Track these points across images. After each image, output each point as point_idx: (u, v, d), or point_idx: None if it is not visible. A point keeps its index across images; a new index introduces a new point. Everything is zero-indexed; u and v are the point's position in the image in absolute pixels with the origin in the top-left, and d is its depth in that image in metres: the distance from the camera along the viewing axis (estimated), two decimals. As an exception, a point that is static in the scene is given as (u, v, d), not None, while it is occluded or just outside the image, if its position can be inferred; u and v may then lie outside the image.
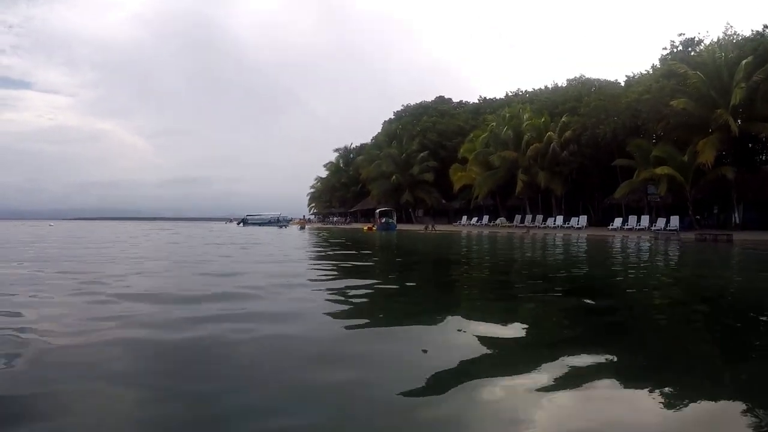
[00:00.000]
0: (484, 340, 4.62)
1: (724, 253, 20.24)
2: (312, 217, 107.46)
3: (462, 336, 4.87)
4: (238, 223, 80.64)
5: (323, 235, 36.85)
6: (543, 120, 51.32)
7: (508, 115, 54.71)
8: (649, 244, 25.85)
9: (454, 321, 5.59)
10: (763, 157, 44.92)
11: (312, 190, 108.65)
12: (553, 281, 10.06)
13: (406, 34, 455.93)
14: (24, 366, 3.69)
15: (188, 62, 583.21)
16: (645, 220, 42.50)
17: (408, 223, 66.48)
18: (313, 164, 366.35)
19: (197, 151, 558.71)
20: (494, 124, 55.19)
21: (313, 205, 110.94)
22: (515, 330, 5.19)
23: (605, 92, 49.28)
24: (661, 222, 40.65)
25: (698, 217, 41.54)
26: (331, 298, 7.05)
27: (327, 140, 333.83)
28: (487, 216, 59.19)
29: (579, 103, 49.59)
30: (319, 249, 20.81)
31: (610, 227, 43.73)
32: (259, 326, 5.05)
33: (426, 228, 48.53)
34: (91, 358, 3.94)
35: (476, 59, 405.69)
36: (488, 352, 4.29)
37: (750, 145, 42.70)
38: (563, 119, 49.07)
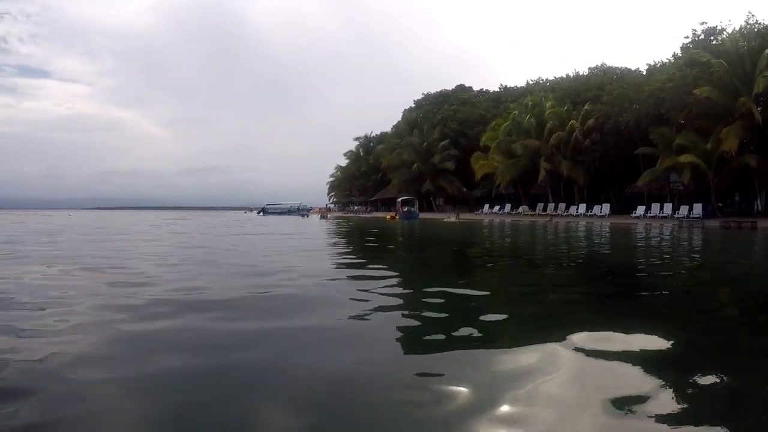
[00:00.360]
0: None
1: (750, 240, 20.62)
2: (332, 206, 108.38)
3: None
4: (258, 213, 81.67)
5: (350, 225, 36.78)
6: (566, 108, 51.76)
7: (530, 103, 55.23)
8: (675, 232, 25.92)
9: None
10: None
11: (332, 179, 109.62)
12: (605, 272, 10.08)
13: (425, 23, 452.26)
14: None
15: (205, 51, 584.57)
16: (668, 207, 42.85)
17: (429, 212, 67.09)
18: (331, 154, 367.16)
19: (215, 140, 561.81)
20: (516, 112, 55.68)
21: (333, 194, 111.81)
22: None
23: (627, 80, 49.38)
24: (683, 209, 40.96)
25: (720, 204, 41.87)
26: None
27: (345, 130, 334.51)
28: (509, 204, 59.50)
29: (601, 92, 49.87)
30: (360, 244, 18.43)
31: (633, 215, 44.02)
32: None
33: (456, 217, 49.11)
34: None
35: (497, 48, 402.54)
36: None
37: None
38: (586, 107, 49.49)
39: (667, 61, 47.79)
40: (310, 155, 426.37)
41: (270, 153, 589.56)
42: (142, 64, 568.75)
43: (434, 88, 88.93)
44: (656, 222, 38.74)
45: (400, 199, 57.80)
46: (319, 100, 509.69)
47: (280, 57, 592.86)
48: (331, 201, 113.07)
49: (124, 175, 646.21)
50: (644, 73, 51.28)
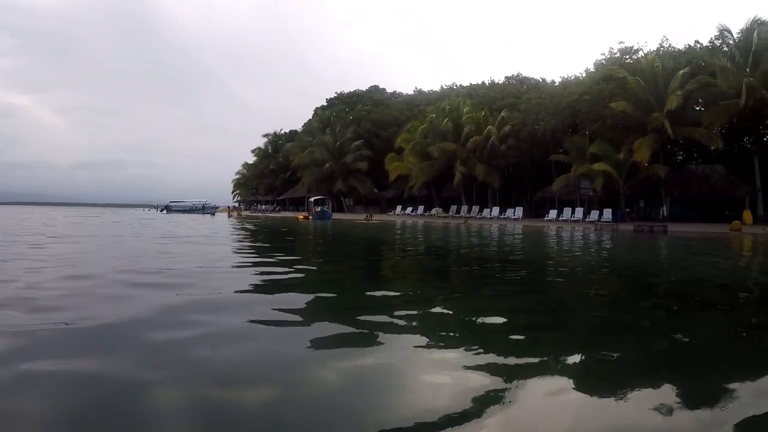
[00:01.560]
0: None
1: (665, 243, 22.00)
2: (236, 204, 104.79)
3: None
4: (161, 210, 77.49)
5: (262, 225, 34.39)
6: (483, 114, 52.52)
7: (448, 107, 55.54)
8: (591, 235, 27.32)
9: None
10: (682, 157, 48.33)
11: (237, 176, 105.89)
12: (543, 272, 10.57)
13: (337, 24, 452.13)
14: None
15: (114, 37, 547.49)
16: (579, 212, 44.89)
17: (340, 212, 65.89)
18: (237, 152, 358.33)
19: (117, 132, 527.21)
20: (434, 115, 55.81)
21: (238, 192, 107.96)
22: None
23: (544, 91, 51.35)
24: (594, 214, 43.14)
25: (627, 210, 43.90)
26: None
27: (252, 129, 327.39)
28: (422, 206, 59.52)
29: (518, 100, 51.77)
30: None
31: (546, 218, 45.53)
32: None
33: (369, 217, 48.23)
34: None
35: (410, 52, 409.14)
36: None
37: (675, 147, 46.30)
38: (503, 114, 50.63)
39: (579, 75, 50.63)
40: (216, 152, 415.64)
41: (174, 149, 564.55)
42: (45, 45, 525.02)
43: (347, 88, 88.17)
44: (568, 225, 40.37)
45: (312, 199, 56.15)
46: (227, 98, 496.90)
47: (191, 50, 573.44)
48: (235, 200, 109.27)
49: (12, 167, 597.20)
50: (557, 84, 53.45)
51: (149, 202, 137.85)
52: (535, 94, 50.66)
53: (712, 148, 40.21)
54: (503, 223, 44.02)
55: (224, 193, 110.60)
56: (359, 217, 53.68)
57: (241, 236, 21.74)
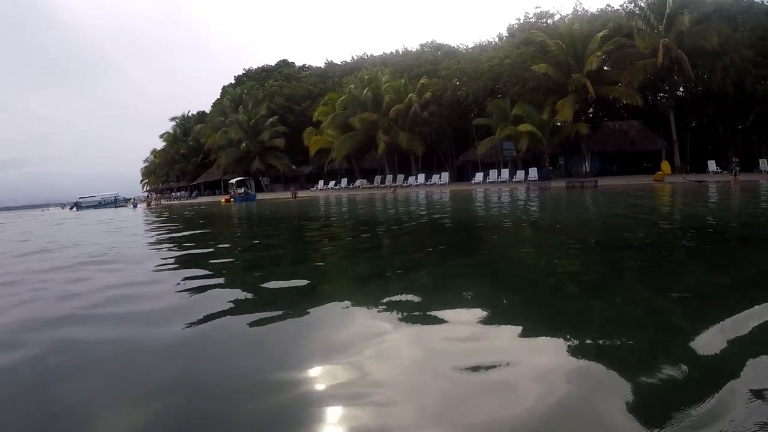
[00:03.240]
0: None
1: (600, 196, 22.21)
2: (145, 194, 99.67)
3: None
4: (71, 208, 72.09)
5: (186, 214, 29.31)
6: (403, 82, 51.71)
7: (366, 77, 54.12)
8: (530, 194, 27.37)
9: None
10: (601, 115, 49.52)
11: (146, 164, 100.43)
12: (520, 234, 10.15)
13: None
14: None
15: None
16: (505, 173, 45.19)
17: (259, 192, 63.35)
18: (141, 141, 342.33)
19: (7, 128, 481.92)
20: (352, 86, 54.31)
21: (147, 181, 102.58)
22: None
23: (463, 57, 51.11)
24: (520, 174, 43.93)
25: (552, 168, 44.63)
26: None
27: (156, 115, 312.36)
28: (346, 179, 58.18)
29: (435, 67, 51.64)
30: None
31: (473, 182, 45.66)
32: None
33: (294, 195, 46.49)
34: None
35: (314, 26, 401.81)
36: None
37: (594, 105, 48.27)
38: (422, 81, 50.09)
39: (492, 40, 52.40)
40: (120, 143, 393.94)
41: (74, 140, 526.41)
42: None
43: (253, 65, 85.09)
44: (497, 186, 40.31)
45: (233, 180, 53.39)
46: (128, 85, 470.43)
47: (80, 34, 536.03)
48: (144, 189, 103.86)
49: None
50: (473, 49, 53.79)
51: (50, 200, 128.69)
52: (454, 60, 50.54)
53: (634, 104, 41.15)
54: (430, 189, 43.69)
55: (132, 184, 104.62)
56: (282, 196, 51.96)
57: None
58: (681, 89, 44.16)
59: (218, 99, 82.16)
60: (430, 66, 52.70)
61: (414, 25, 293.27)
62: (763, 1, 43.26)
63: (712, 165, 39.77)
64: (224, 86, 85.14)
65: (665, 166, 38.37)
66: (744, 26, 39.48)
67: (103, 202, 71.03)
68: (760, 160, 38.69)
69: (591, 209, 15.62)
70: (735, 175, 31.53)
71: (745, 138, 42.89)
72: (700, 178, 33.85)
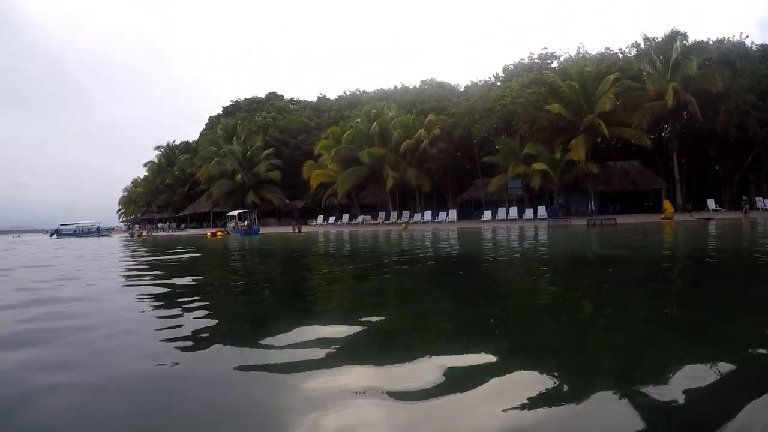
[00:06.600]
0: None
1: (631, 233, 21.37)
2: (121, 224, 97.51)
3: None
4: (51, 235, 70.11)
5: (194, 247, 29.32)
6: (412, 117, 52.22)
7: (373, 111, 54.30)
8: (555, 232, 26.25)
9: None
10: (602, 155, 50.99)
11: (125, 193, 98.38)
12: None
13: (218, 28, 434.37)
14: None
15: None
16: (513, 211, 45.90)
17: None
18: (113, 170, 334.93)
19: None
20: (359, 120, 54.53)
21: (123, 211, 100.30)
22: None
23: (472, 95, 52.13)
24: (529, 212, 44.81)
25: (553, 206, 45.93)
26: None
27: (131, 145, 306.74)
28: (347, 215, 57.62)
29: (441, 103, 52.45)
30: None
31: (483, 219, 46.05)
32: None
33: (296, 230, 45.84)
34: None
35: (301, 61, 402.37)
36: None
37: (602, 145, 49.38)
38: (429, 117, 50.50)
39: (488, 79, 54.48)
40: (94, 170, 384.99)
41: (42, 166, 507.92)
42: None
43: (234, 97, 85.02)
44: (511, 224, 40.06)
45: (234, 213, 52.34)
46: (99, 113, 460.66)
47: (56, 59, 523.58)
48: (121, 219, 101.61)
49: None
50: (476, 88, 54.83)
51: (16, 227, 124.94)
52: (463, 98, 51.62)
53: (641, 145, 42.78)
54: (438, 227, 42.67)
55: (105, 212, 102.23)
56: (280, 229, 51.23)
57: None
58: (683, 130, 45.70)
59: (207, 129, 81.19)
60: (435, 102, 53.57)
61: (402, 63, 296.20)
62: (755, 47, 45.50)
63: (711, 203, 41.31)
64: (211, 116, 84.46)
65: (667, 204, 39.09)
66: (744, 71, 41.32)
67: (90, 230, 69.40)
68: (757, 199, 40.45)
69: (656, 245, 14.87)
70: (746, 213, 32.83)
71: (741, 177, 44.53)
72: (706, 216, 35.08)
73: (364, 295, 6.99)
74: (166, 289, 7.51)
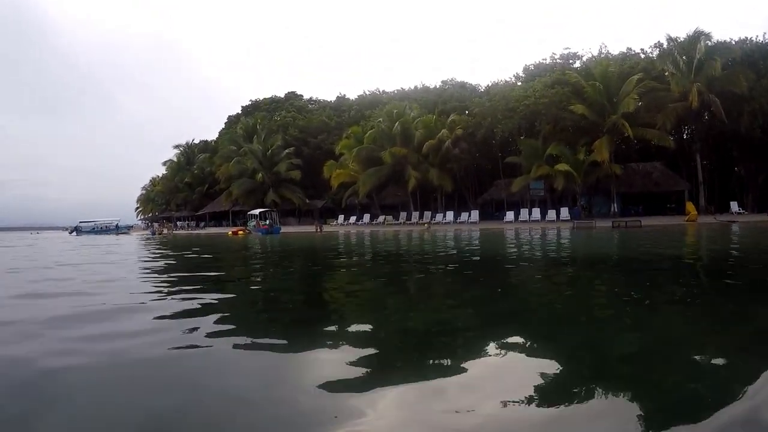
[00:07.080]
0: None
1: (657, 236, 20.96)
2: (140, 222, 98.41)
3: None
4: (71, 232, 70.90)
5: (221, 246, 27.62)
6: (434, 117, 52.42)
7: (395, 111, 54.65)
8: (583, 233, 26.01)
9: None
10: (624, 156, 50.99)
11: (143, 192, 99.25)
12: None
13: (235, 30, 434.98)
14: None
15: None
16: (536, 212, 46.05)
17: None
18: (130, 168, 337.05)
19: None
20: (380, 120, 54.87)
21: (141, 209, 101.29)
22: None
23: (495, 95, 51.96)
24: (551, 214, 44.93)
25: (575, 207, 46.04)
26: None
27: (148, 143, 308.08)
28: (369, 215, 57.94)
29: (462, 104, 52.57)
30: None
31: (505, 220, 46.17)
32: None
33: (318, 229, 46.25)
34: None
35: (316, 61, 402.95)
36: None
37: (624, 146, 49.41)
38: (452, 118, 50.80)
39: (509, 79, 54.63)
40: (113, 169, 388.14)
41: (61, 165, 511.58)
42: None
43: (252, 96, 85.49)
44: (534, 225, 40.36)
45: (256, 212, 52.78)
46: (118, 112, 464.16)
47: (78, 59, 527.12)
48: (139, 217, 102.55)
49: None
50: (498, 88, 54.79)
51: (33, 224, 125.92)
52: (486, 97, 51.82)
53: (665, 146, 43.02)
54: (461, 227, 42.76)
55: (123, 210, 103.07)
56: (301, 229, 51.59)
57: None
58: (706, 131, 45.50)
59: (226, 128, 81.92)
60: (456, 102, 53.78)
61: (401, 63, 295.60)
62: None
63: (734, 206, 41.14)
64: (230, 116, 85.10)
65: (690, 207, 38.71)
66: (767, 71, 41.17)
67: (108, 228, 70.20)
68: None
69: (694, 249, 14.12)
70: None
71: (765, 179, 44.34)
72: (729, 218, 35.07)
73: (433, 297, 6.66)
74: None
